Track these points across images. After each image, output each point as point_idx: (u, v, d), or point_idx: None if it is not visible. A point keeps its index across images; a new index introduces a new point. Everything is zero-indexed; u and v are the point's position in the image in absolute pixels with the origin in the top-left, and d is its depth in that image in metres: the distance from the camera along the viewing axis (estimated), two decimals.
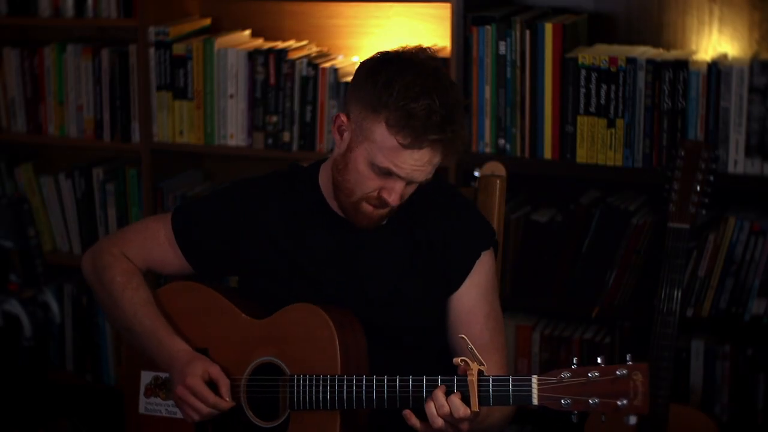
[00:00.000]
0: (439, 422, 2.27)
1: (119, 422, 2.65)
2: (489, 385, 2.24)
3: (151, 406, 2.58)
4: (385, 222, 2.50)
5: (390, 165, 2.36)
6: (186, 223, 2.61)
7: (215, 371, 2.45)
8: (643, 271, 3.47)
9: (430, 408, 2.27)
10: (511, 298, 3.57)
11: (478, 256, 2.53)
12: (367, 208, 2.43)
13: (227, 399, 2.44)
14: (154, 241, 2.61)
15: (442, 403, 2.26)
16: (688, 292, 3.40)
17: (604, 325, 3.61)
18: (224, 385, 2.45)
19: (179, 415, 2.53)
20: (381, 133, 2.35)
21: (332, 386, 2.38)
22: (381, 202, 2.41)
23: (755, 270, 3.38)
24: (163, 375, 2.57)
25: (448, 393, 2.27)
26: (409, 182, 2.40)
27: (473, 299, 2.53)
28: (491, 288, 2.56)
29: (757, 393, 3.43)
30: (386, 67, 2.38)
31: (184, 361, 2.46)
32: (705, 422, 3.32)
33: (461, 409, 2.25)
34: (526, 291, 3.59)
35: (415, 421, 2.30)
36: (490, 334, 2.52)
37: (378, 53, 2.44)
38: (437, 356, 2.55)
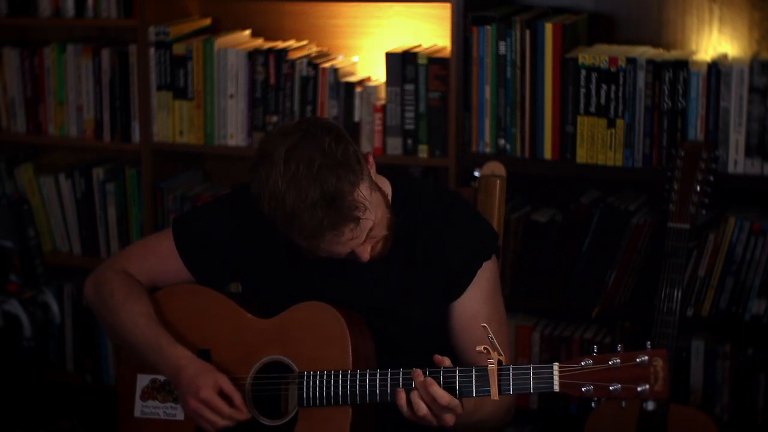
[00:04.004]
0: (423, 409, 2.28)
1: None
2: (509, 373, 2.26)
3: (148, 409, 2.57)
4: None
5: (328, 254, 2.36)
6: (187, 232, 2.60)
7: (226, 385, 2.43)
8: (643, 271, 3.47)
9: (414, 395, 2.28)
10: (511, 298, 3.56)
11: (480, 265, 2.53)
12: (352, 258, 2.42)
13: (243, 410, 2.43)
14: (156, 255, 2.60)
15: (426, 390, 2.26)
16: (688, 291, 3.40)
17: (604, 325, 3.61)
18: (237, 397, 2.44)
19: (178, 417, 2.53)
20: (297, 242, 2.34)
21: (344, 381, 2.38)
22: (357, 258, 2.41)
23: (755, 270, 3.38)
24: (161, 377, 2.55)
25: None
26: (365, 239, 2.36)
27: (476, 305, 2.52)
28: (494, 292, 2.56)
29: (757, 393, 3.44)
30: (264, 200, 2.31)
31: (191, 374, 2.44)
32: (705, 422, 3.32)
33: (445, 398, 2.26)
34: (526, 291, 3.59)
35: (402, 402, 2.30)
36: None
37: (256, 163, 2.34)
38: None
